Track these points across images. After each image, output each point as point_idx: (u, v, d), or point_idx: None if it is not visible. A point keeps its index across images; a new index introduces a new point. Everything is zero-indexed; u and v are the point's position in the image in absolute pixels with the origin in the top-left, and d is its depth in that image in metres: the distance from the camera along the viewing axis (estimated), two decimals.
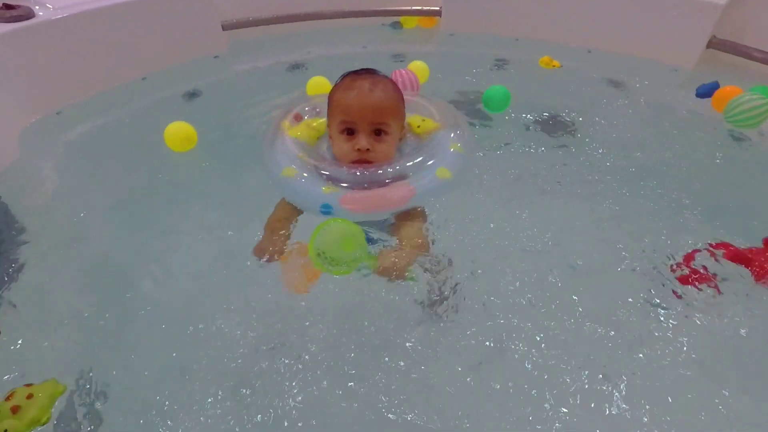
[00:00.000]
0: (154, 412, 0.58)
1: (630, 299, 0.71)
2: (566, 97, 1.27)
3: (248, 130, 1.08)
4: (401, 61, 1.46)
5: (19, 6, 0.96)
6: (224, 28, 1.30)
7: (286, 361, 0.62)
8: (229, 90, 1.30)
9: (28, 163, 0.92)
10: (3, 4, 0.95)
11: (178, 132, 0.91)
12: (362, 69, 0.74)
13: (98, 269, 0.76)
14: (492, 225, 0.83)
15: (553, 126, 1.17)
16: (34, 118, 1.00)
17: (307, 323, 0.67)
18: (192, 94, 1.22)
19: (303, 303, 0.69)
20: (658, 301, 0.70)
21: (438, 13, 1.47)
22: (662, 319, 0.69)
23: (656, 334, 0.67)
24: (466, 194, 0.87)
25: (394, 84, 0.73)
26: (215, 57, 1.31)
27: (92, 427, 0.57)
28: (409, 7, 1.46)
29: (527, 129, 1.14)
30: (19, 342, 0.66)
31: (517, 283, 0.73)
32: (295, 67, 1.39)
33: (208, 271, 0.75)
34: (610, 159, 1.04)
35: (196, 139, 0.95)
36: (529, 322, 0.68)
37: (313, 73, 1.39)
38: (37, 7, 0.98)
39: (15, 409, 0.56)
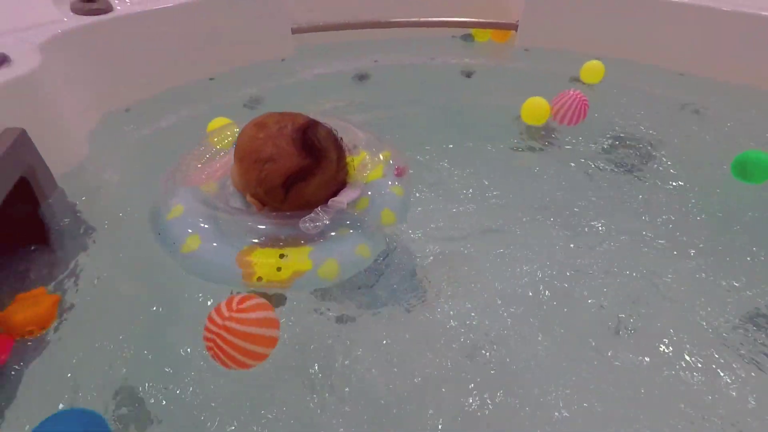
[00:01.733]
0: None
1: None
2: (646, 121, 1.18)
3: None
4: (468, 76, 1.39)
5: None
6: (294, 32, 1.26)
7: None
8: (293, 96, 1.26)
9: (97, 161, 0.89)
10: None
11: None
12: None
13: (165, 269, 0.72)
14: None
15: (624, 152, 1.10)
16: (102, 115, 0.98)
17: None
18: (256, 99, 1.19)
19: None
20: None
21: (514, 27, 1.39)
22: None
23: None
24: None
25: None
26: (282, 60, 1.28)
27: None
28: (485, 20, 1.39)
29: (592, 152, 1.10)
30: (74, 340, 0.63)
31: None
32: (361, 77, 1.34)
33: None
34: (684, 196, 0.97)
35: None
36: None
37: (377, 83, 1.35)
38: (116, 1, 0.95)
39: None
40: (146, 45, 1.03)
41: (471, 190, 0.99)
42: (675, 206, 0.95)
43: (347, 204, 0.60)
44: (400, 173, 0.68)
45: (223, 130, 0.72)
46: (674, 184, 1.02)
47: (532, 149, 1.14)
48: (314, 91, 1.30)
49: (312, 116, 0.61)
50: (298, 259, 0.56)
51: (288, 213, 0.59)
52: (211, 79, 1.18)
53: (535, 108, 1.11)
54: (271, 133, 0.58)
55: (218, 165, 0.68)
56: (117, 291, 0.72)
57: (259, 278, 0.55)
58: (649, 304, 0.75)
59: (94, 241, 0.75)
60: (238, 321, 0.51)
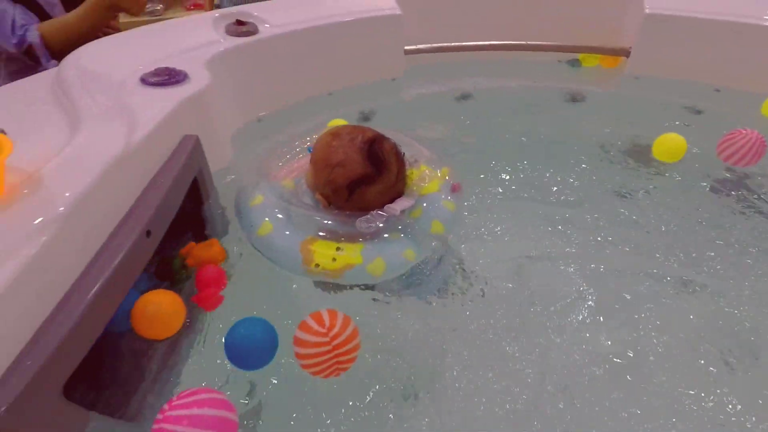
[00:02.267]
0: None
1: None
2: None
3: None
4: (573, 101, 1.39)
5: (248, 23, 1.07)
6: (406, 53, 1.33)
7: None
8: (400, 113, 1.33)
9: (236, 164, 1.01)
10: (236, 20, 1.06)
11: None
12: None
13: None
14: None
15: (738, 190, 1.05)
16: (241, 123, 1.10)
17: None
18: (367, 115, 1.27)
19: None
20: None
21: (626, 53, 1.37)
22: None
23: None
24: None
25: None
26: (393, 80, 1.35)
27: None
28: (594, 45, 1.38)
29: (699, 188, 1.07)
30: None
31: None
32: (464, 97, 1.39)
33: None
34: None
35: None
36: None
37: (479, 103, 1.39)
38: (267, 25, 1.07)
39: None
40: (279, 63, 1.14)
41: (558, 217, 1.01)
42: None
43: (400, 211, 0.69)
44: (454, 189, 0.77)
45: (304, 137, 0.85)
46: None
47: (637, 177, 1.14)
48: (419, 108, 1.36)
49: (381, 131, 0.72)
50: (352, 253, 0.65)
51: (348, 213, 0.69)
52: (329, 94, 1.28)
53: (672, 145, 1.08)
54: (343, 142, 0.69)
55: (296, 165, 0.81)
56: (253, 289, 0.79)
57: (317, 265, 0.65)
58: None
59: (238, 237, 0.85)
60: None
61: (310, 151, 0.75)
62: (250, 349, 0.58)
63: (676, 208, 1.04)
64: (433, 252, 0.74)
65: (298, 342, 0.58)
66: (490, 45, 1.40)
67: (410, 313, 0.74)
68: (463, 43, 1.39)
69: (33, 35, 1.20)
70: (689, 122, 1.26)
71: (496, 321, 0.76)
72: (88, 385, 0.56)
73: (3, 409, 0.40)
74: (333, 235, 0.68)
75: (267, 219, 0.70)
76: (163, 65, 0.85)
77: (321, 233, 0.68)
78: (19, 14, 1.20)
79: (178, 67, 0.86)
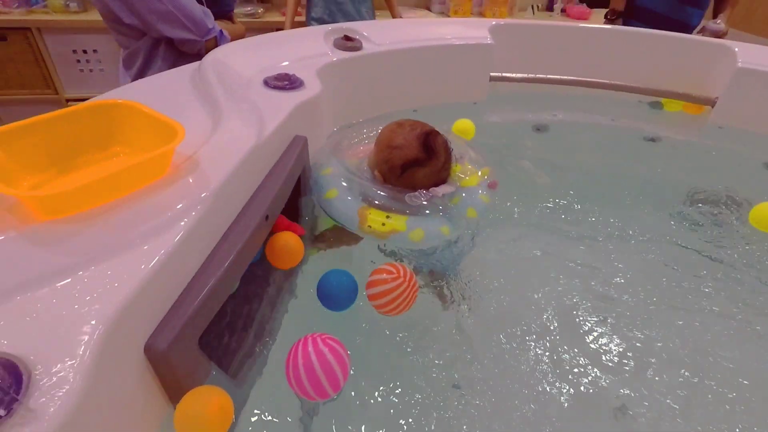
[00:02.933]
0: None
1: None
2: None
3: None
4: (652, 141, 1.41)
5: (356, 39, 1.16)
6: (491, 80, 1.39)
7: None
8: (479, 136, 1.39)
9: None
10: (344, 36, 1.16)
11: None
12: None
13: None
14: None
15: None
16: (336, 127, 1.19)
17: None
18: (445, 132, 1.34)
19: None
20: None
21: (712, 103, 1.37)
22: None
23: None
24: None
25: None
26: (474, 103, 1.42)
27: None
28: (681, 91, 1.39)
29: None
30: None
31: None
32: (540, 128, 1.43)
33: None
34: None
35: None
36: None
37: (555, 136, 1.42)
38: (371, 43, 1.17)
39: None
40: (376, 76, 1.24)
41: (614, 254, 1.04)
42: None
43: (442, 194, 0.83)
44: (492, 186, 0.91)
45: (371, 127, 1.01)
46: None
47: (701, 230, 1.14)
48: (497, 134, 1.42)
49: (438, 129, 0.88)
50: (398, 222, 0.80)
51: (399, 189, 0.84)
52: (414, 110, 1.36)
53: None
54: (404, 130, 0.85)
55: (361, 149, 0.97)
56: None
57: (369, 226, 0.80)
58: None
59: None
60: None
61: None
62: (341, 291, 0.73)
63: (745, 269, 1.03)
64: (465, 229, 0.89)
65: (375, 285, 0.72)
66: (573, 80, 1.44)
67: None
68: (547, 76, 1.44)
69: (217, 29, 1.39)
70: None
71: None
72: (209, 341, 0.65)
73: (165, 346, 0.49)
74: (384, 206, 0.83)
75: (334, 186, 0.85)
76: (283, 71, 0.96)
77: (375, 202, 0.83)
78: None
79: (295, 73, 0.97)
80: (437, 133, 0.86)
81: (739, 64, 1.30)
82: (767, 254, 1.06)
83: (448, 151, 0.87)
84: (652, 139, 1.37)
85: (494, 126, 1.43)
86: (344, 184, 0.85)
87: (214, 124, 0.76)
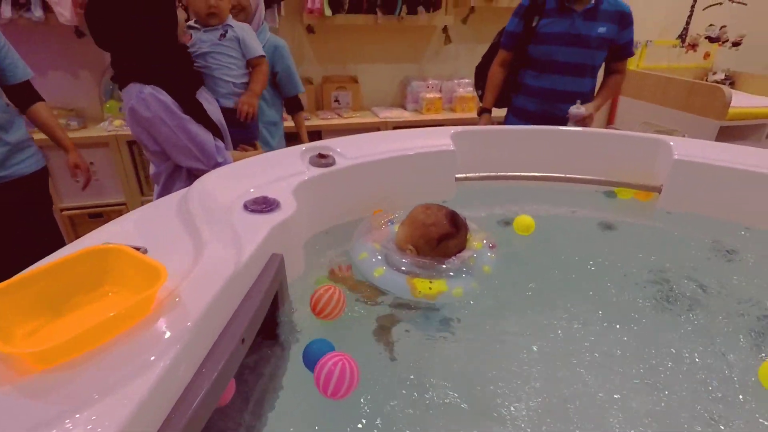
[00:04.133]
0: None
1: None
2: None
3: None
4: (609, 228, 1.51)
5: (329, 155, 1.30)
6: (457, 180, 1.53)
7: None
8: None
9: (307, 274, 1.18)
10: (319, 153, 1.29)
11: None
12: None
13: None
14: None
15: None
16: (311, 234, 1.29)
17: None
18: None
19: None
20: None
21: (658, 190, 1.50)
22: None
23: None
24: None
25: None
26: (443, 202, 1.54)
27: None
28: (630, 181, 1.53)
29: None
30: None
31: None
32: (505, 222, 1.54)
33: None
34: None
35: None
36: None
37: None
38: (344, 158, 1.30)
39: None
40: (350, 187, 1.36)
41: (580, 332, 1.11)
42: None
43: (468, 257, 1.10)
44: (493, 247, 1.17)
45: (378, 219, 1.28)
46: None
47: (662, 311, 1.20)
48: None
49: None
50: (440, 285, 1.04)
51: (430, 259, 1.08)
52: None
53: None
54: (434, 211, 1.13)
55: (378, 234, 1.20)
56: None
57: (420, 292, 1.02)
58: None
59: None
60: None
61: (391, 223, 1.24)
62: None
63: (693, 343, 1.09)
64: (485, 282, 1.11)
65: (316, 301, 0.99)
66: (531, 176, 1.59)
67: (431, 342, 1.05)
68: (508, 173, 1.58)
69: (228, 160, 1.60)
70: (721, 261, 1.33)
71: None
72: None
73: None
74: (423, 274, 1.06)
75: (378, 266, 1.08)
76: (261, 194, 1.07)
77: (417, 272, 1.07)
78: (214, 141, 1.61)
79: (272, 194, 1.08)
80: (457, 213, 1.15)
81: (675, 156, 1.45)
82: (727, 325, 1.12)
83: (465, 225, 1.15)
84: (609, 227, 1.47)
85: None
86: (382, 262, 1.09)
87: (196, 254, 0.84)
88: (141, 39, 1.42)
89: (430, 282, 1.03)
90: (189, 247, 0.87)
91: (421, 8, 3.10)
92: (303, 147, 1.34)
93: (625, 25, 2.11)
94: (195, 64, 1.79)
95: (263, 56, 1.95)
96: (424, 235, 1.09)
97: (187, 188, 1.11)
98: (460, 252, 1.10)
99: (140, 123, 1.47)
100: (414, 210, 1.14)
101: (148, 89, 1.43)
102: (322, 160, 1.29)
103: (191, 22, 1.86)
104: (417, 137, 1.54)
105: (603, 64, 2.23)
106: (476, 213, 1.57)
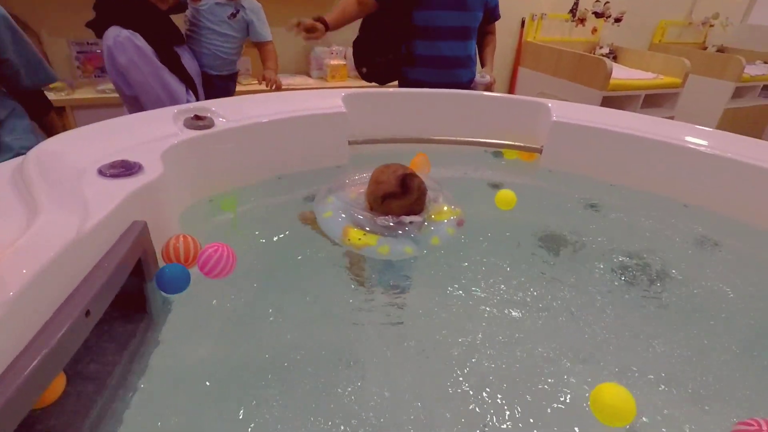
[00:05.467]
0: None
1: None
2: (654, 248, 1.31)
3: None
4: (496, 187, 1.59)
5: (206, 117, 1.21)
6: (350, 143, 1.50)
7: None
8: None
9: None
10: (195, 115, 1.20)
11: None
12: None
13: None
14: None
15: (633, 276, 1.23)
16: (191, 203, 1.20)
17: None
18: (313, 197, 1.41)
19: None
20: None
21: (539, 151, 1.59)
22: None
23: None
24: None
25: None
26: (337, 167, 1.51)
27: None
28: (513, 143, 1.61)
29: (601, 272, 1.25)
30: None
31: None
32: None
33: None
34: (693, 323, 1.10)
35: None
36: None
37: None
38: (222, 120, 1.22)
39: None
40: (232, 151, 1.28)
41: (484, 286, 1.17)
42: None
43: (409, 222, 1.07)
44: (459, 223, 1.16)
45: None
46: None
47: (545, 261, 1.30)
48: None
49: (424, 175, 1.17)
50: (370, 239, 1.05)
51: (378, 215, 1.08)
52: (278, 177, 1.41)
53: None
54: (389, 170, 1.11)
55: (361, 186, 1.21)
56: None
57: (348, 239, 1.06)
58: None
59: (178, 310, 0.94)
60: None
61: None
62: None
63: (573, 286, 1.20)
64: (427, 252, 1.11)
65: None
66: (424, 139, 1.60)
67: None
68: (400, 137, 1.58)
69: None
70: (587, 213, 1.46)
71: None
72: None
73: None
74: (362, 226, 1.08)
75: (330, 209, 1.13)
76: (121, 158, 0.97)
77: (357, 223, 1.09)
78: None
79: (135, 159, 0.98)
80: (415, 175, 1.11)
81: (554, 118, 1.54)
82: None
83: (421, 191, 1.11)
84: (496, 185, 1.54)
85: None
86: (338, 209, 1.13)
87: (28, 224, 0.74)
88: None
89: (363, 234, 1.05)
90: (20, 216, 0.76)
91: None
92: (176, 109, 1.23)
93: None
94: (189, 28, 1.83)
95: (271, 41, 1.99)
96: (374, 191, 1.10)
97: (22, 156, 0.97)
98: (408, 215, 1.08)
99: (116, 66, 1.50)
100: (378, 167, 1.15)
101: (126, 32, 1.45)
102: (198, 122, 1.20)
103: None
104: (306, 99, 1.48)
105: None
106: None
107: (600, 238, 1.37)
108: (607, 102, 3.54)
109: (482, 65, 2.40)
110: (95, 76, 2.94)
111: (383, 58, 2.20)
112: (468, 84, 2.32)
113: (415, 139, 1.59)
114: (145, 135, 1.10)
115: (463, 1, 2.11)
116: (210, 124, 1.21)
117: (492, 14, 2.30)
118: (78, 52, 2.87)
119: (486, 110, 1.65)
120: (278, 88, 1.95)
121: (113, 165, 0.93)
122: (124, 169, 0.93)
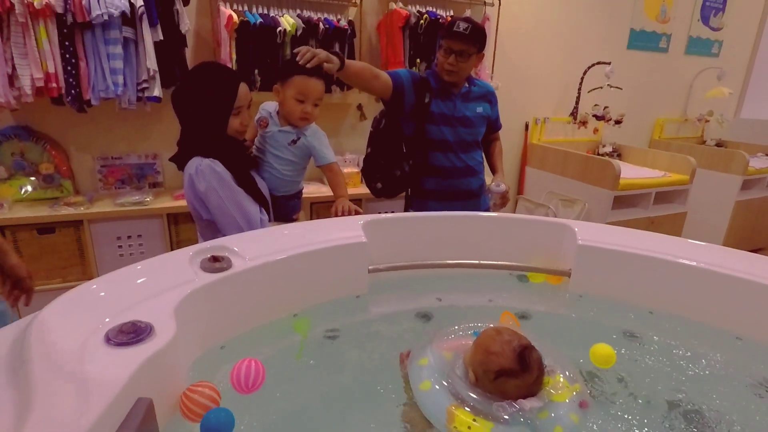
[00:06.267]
0: None
1: None
2: (706, 390, 1.17)
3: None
4: (524, 318, 1.49)
5: (223, 258, 1.16)
6: (370, 272, 1.44)
7: None
8: (365, 329, 1.38)
9: None
10: (211, 256, 1.15)
11: None
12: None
13: None
14: None
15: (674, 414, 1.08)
16: (201, 352, 1.11)
17: None
18: (334, 331, 1.31)
19: None
20: None
21: (567, 274, 1.52)
22: None
23: None
24: None
25: None
26: (357, 297, 1.44)
27: None
28: (540, 266, 1.54)
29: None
30: None
31: None
32: (423, 315, 1.45)
33: None
34: None
35: None
36: None
37: (438, 322, 1.44)
38: (246, 260, 1.17)
39: None
40: (248, 293, 1.21)
41: None
42: None
43: (529, 408, 0.86)
44: (582, 405, 0.92)
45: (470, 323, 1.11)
46: None
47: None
48: (383, 325, 1.41)
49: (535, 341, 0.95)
50: (483, 429, 0.84)
51: (489, 395, 0.88)
52: (294, 315, 1.33)
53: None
54: (503, 338, 0.92)
55: (457, 343, 1.04)
56: None
57: (455, 427, 0.85)
58: None
59: None
60: None
61: (475, 334, 1.01)
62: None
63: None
64: None
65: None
66: (445, 264, 1.55)
67: None
68: (421, 262, 1.53)
69: None
70: (624, 344, 1.34)
71: None
72: None
73: None
74: (473, 408, 0.87)
75: (428, 378, 0.93)
76: (130, 318, 0.90)
77: (465, 403, 0.88)
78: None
79: (147, 317, 0.91)
80: (533, 348, 0.92)
81: (579, 242, 1.49)
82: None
83: (541, 368, 0.92)
84: (524, 317, 1.45)
85: (381, 318, 1.44)
86: (438, 377, 0.94)
87: (19, 420, 0.65)
88: (207, 113, 1.54)
89: (474, 419, 0.85)
90: (10, 410, 0.67)
91: (335, 87, 3.17)
92: (192, 250, 1.19)
93: (494, 102, 2.32)
94: (255, 153, 1.91)
95: (335, 162, 1.97)
96: (483, 362, 0.90)
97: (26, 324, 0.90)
98: (525, 397, 0.88)
99: (196, 192, 1.56)
100: (485, 330, 0.97)
101: (207, 161, 1.54)
102: (215, 264, 1.15)
103: (271, 110, 1.90)
104: (324, 230, 1.45)
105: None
106: (392, 308, 1.49)
107: (647, 379, 1.23)
108: (619, 201, 3.54)
109: (493, 172, 2.44)
110: (116, 188, 3.01)
111: (401, 170, 2.24)
112: (478, 190, 2.35)
113: (436, 264, 1.53)
114: (160, 283, 1.04)
115: (469, 119, 2.23)
116: (227, 266, 1.16)
117: (494, 126, 2.41)
118: (101, 166, 2.97)
119: (509, 233, 1.61)
120: (357, 213, 1.83)
121: (122, 330, 0.86)
122: (134, 334, 0.86)
